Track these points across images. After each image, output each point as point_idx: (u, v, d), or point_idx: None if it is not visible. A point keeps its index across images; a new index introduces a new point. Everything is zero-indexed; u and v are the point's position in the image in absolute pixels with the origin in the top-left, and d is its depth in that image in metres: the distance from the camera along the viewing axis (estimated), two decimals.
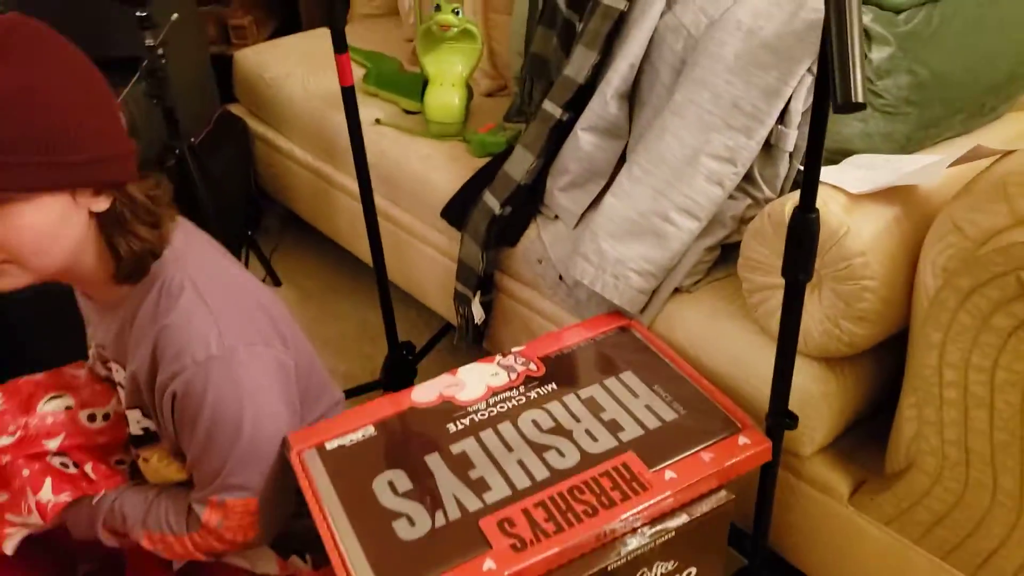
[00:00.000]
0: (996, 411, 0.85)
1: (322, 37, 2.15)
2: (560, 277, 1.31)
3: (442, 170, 1.57)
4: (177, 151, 1.64)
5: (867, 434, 1.11)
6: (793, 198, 0.99)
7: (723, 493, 0.95)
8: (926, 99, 1.08)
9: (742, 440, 0.98)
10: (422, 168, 1.59)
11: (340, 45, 1.29)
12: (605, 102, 1.26)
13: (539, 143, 1.35)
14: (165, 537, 0.99)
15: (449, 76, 1.63)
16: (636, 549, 0.88)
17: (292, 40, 2.16)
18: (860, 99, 0.58)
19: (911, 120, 1.09)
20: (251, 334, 0.92)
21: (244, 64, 2.07)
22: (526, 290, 1.43)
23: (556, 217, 1.36)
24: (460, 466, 0.93)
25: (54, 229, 0.82)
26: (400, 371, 1.62)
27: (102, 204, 0.86)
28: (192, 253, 0.96)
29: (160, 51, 1.55)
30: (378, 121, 1.73)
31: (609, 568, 0.87)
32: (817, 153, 0.76)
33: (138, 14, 1.51)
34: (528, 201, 1.39)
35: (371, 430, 0.99)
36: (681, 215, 1.13)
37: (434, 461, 0.94)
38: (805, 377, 1.02)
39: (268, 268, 2.06)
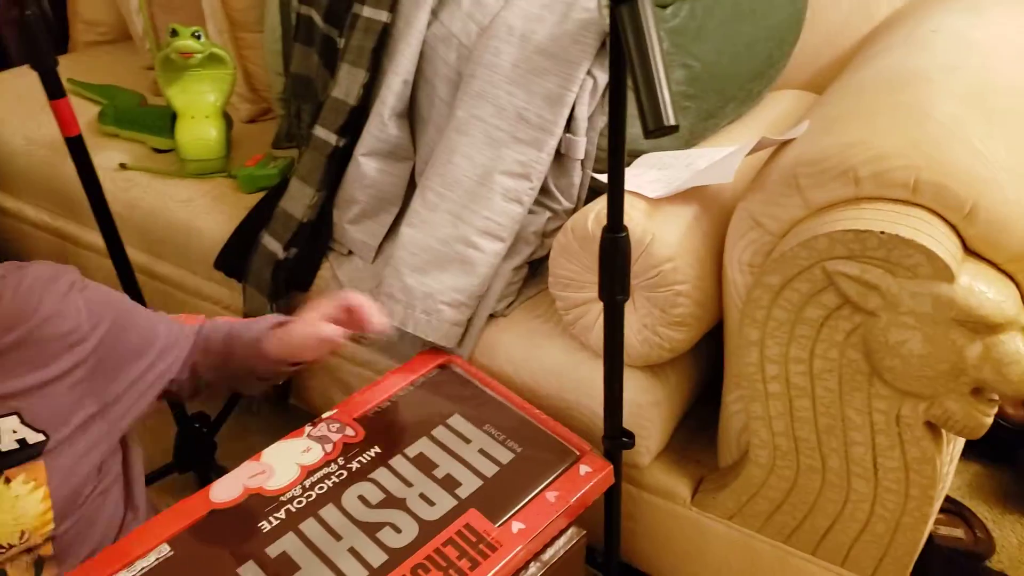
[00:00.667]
0: (817, 398, 0.86)
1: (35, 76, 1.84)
2: None
3: (209, 214, 1.39)
4: None
5: (695, 425, 1.11)
6: (595, 210, 0.95)
7: (572, 531, 0.89)
8: (702, 91, 1.09)
9: (583, 469, 0.93)
10: (185, 214, 1.39)
11: (54, 89, 1.09)
12: (383, 123, 1.16)
13: (317, 174, 1.22)
14: None
15: (201, 107, 1.45)
16: None
17: None
18: (672, 121, 0.53)
19: (691, 114, 1.10)
20: None
21: None
22: None
23: (350, 252, 1.24)
24: (282, 572, 0.80)
25: None
26: (196, 447, 1.42)
27: None
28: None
29: None
30: (123, 166, 1.50)
31: None
32: (619, 173, 0.71)
33: None
34: (315, 239, 1.25)
35: (166, 549, 0.83)
36: (484, 238, 1.06)
37: (250, 572, 0.80)
38: (632, 389, 0.99)
39: None
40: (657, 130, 0.54)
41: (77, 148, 1.13)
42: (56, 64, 1.09)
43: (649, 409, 1.00)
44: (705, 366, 1.11)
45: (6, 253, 1.78)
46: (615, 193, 0.73)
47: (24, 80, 1.80)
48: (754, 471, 0.96)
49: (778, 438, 0.92)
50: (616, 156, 0.70)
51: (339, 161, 1.22)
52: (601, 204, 0.96)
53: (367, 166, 1.18)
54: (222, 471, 1.42)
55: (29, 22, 1.05)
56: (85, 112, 1.63)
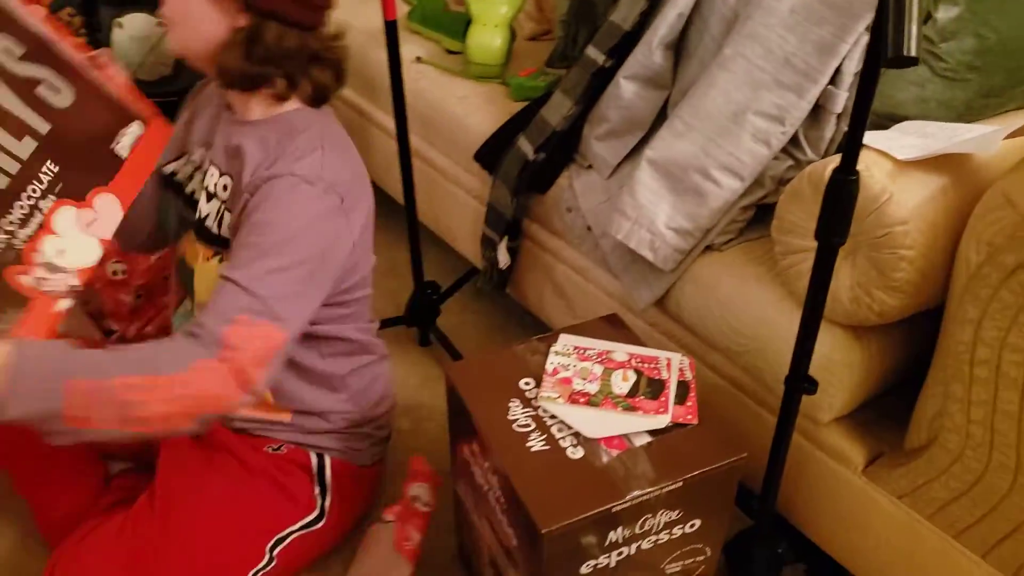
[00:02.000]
0: None
1: None
2: (588, 228, 1.30)
3: (479, 112, 1.54)
4: None
5: (888, 409, 1.09)
6: (835, 161, 0.96)
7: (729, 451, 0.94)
8: (990, 66, 1.04)
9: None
10: (459, 109, 1.57)
11: None
12: (650, 51, 1.23)
13: (578, 89, 1.32)
14: (150, 379, 0.87)
15: (492, 17, 1.60)
16: (641, 494, 0.88)
17: None
18: (913, 53, 0.55)
19: (971, 87, 1.05)
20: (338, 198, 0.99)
21: None
22: (553, 239, 1.42)
23: (589, 166, 1.34)
24: None
25: (193, 14, 0.96)
26: (423, 309, 1.63)
27: (243, 20, 0.96)
28: (329, 124, 1.06)
29: None
30: (419, 59, 1.70)
31: (613, 510, 0.87)
32: (863, 113, 0.73)
33: None
34: (562, 148, 1.36)
35: None
36: (724, 173, 1.10)
37: None
38: (828, 344, 1.00)
39: None
40: (896, 59, 0.56)
41: (391, 31, 1.32)
42: None
43: (840, 368, 1.00)
44: (912, 354, 1.08)
45: None
46: (855, 136, 0.75)
47: None
48: (939, 455, 0.94)
49: (973, 426, 0.89)
50: (864, 96, 0.72)
51: (601, 80, 1.31)
52: None
53: (626, 88, 1.26)
54: (440, 333, 1.63)
55: None
56: (398, 10, 1.85)
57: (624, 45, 1.28)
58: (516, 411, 1.00)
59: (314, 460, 1.17)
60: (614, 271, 1.24)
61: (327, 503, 1.18)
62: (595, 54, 1.31)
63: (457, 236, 1.68)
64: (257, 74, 0.99)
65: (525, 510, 0.87)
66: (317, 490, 1.17)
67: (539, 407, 1.00)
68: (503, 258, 1.44)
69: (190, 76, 1.32)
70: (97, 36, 1.83)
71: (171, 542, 1.07)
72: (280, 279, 0.93)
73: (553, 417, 0.98)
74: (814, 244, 0.98)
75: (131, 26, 1.78)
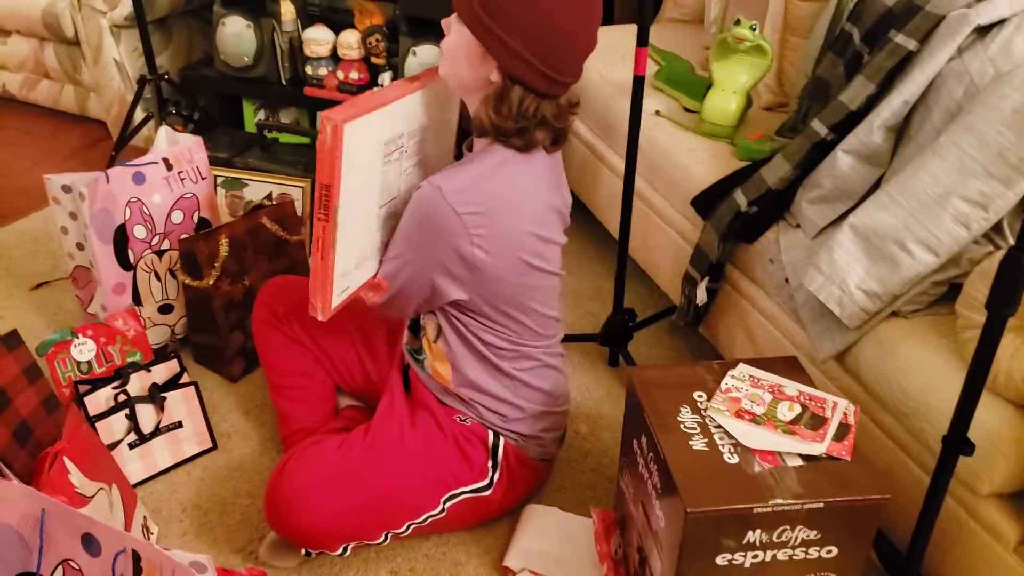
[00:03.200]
0: None
1: (627, 32, 2.37)
2: (786, 280, 1.42)
3: (703, 164, 1.72)
4: None
5: None
6: None
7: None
8: None
9: None
10: (686, 160, 1.75)
11: (642, 39, 1.50)
12: (871, 130, 1.34)
13: (798, 156, 1.46)
14: None
15: (732, 83, 1.78)
16: (783, 504, 1.00)
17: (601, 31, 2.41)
18: None
19: None
20: (469, 221, 1.17)
21: None
22: (752, 286, 1.55)
23: (797, 225, 1.46)
24: None
25: (459, 57, 1.18)
26: (617, 332, 1.81)
27: (495, 76, 1.17)
28: (501, 172, 1.22)
29: None
30: (658, 113, 1.91)
31: (755, 511, 1.00)
32: None
33: None
34: (775, 206, 1.50)
35: None
36: (919, 247, 1.19)
37: None
38: (998, 418, 1.06)
39: None
40: None
41: (638, 86, 1.54)
42: (651, 22, 1.50)
43: (1007, 444, 1.05)
44: None
45: None
46: None
47: (617, 35, 2.35)
48: None
49: None
50: None
51: (821, 151, 1.44)
52: None
53: (843, 161, 1.38)
54: (629, 357, 1.80)
55: None
56: (647, 67, 2.09)
57: (847, 123, 1.40)
58: (685, 415, 1.15)
59: (491, 437, 1.37)
60: (803, 322, 1.35)
61: (495, 476, 1.37)
62: (819, 127, 1.44)
63: (661, 272, 1.86)
64: (495, 126, 1.19)
65: (676, 491, 1.03)
66: (490, 463, 1.37)
67: (707, 416, 1.14)
68: (701, 295, 1.59)
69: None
70: (394, 60, 2.23)
71: (371, 469, 1.32)
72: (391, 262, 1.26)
73: (718, 427, 1.12)
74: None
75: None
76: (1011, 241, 1.17)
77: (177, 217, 1.79)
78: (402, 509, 1.34)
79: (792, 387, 1.19)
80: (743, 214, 1.51)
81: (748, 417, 1.13)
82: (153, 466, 1.57)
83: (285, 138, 2.43)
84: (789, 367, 1.24)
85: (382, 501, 1.32)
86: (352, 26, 2.24)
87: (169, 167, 1.76)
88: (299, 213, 2.13)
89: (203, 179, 1.82)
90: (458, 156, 1.36)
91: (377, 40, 2.19)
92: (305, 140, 2.50)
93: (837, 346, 1.29)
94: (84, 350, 1.60)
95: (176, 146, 1.78)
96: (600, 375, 1.84)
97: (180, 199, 1.78)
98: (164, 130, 1.82)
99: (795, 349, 1.44)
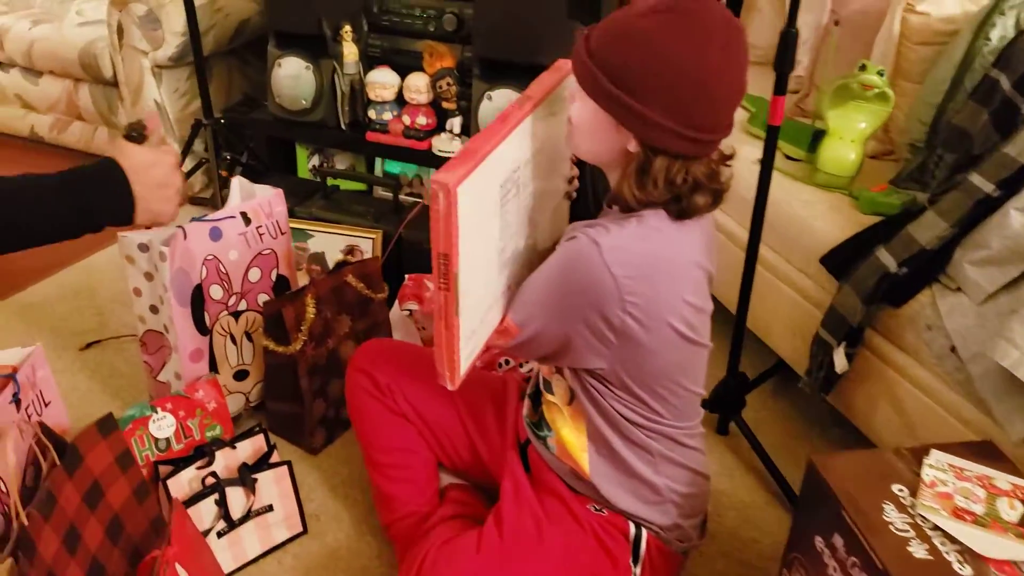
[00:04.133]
0: None
1: None
2: (952, 349, 1.30)
3: (825, 219, 1.61)
4: None
5: None
6: None
7: None
8: None
9: None
10: (805, 213, 1.64)
11: (780, 87, 1.39)
12: None
13: (957, 213, 1.35)
14: None
15: (850, 132, 1.67)
16: None
17: None
18: None
19: None
20: (625, 285, 1.04)
21: None
22: (900, 354, 1.43)
23: (958, 289, 1.35)
24: None
25: (591, 129, 1.08)
26: (732, 397, 1.68)
27: (633, 147, 1.05)
28: (656, 234, 1.09)
29: None
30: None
31: None
32: None
33: None
34: (927, 267, 1.38)
35: None
36: None
37: None
38: None
39: None
40: None
41: (771, 136, 1.43)
42: (790, 71, 1.39)
43: None
44: None
45: None
46: None
47: None
48: None
49: None
50: None
51: (985, 208, 1.32)
52: None
53: (1016, 219, 1.27)
54: (743, 424, 1.66)
55: (789, 36, 1.36)
56: (738, 115, 1.99)
57: (1015, 178, 1.30)
58: (891, 514, 1.01)
59: (632, 529, 1.22)
60: (982, 396, 1.23)
61: (639, 573, 1.23)
62: (981, 183, 1.33)
63: (772, 331, 1.73)
64: (641, 202, 1.06)
65: None
66: (631, 559, 1.22)
67: (916, 515, 1.01)
68: (841, 363, 1.47)
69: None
70: (463, 104, 2.12)
71: (516, 572, 1.18)
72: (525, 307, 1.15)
73: (935, 528, 0.99)
74: None
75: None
76: None
77: (254, 275, 1.65)
78: None
79: (1002, 479, 1.06)
80: (891, 275, 1.39)
81: (969, 518, 1.00)
82: (243, 555, 1.41)
83: (345, 185, 2.30)
84: (986, 453, 1.11)
85: None
86: (419, 69, 2.13)
87: (247, 221, 1.62)
88: None
89: (282, 234, 1.68)
90: (596, 209, 1.23)
91: (448, 84, 2.08)
92: (362, 186, 2.37)
93: None
94: (164, 426, 1.45)
95: (254, 199, 1.65)
96: (711, 445, 1.70)
97: (258, 256, 1.64)
98: (238, 181, 1.68)
99: (959, 423, 1.31)
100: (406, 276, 1.85)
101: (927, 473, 1.07)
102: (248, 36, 2.69)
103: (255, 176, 2.51)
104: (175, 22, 2.44)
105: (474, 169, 0.99)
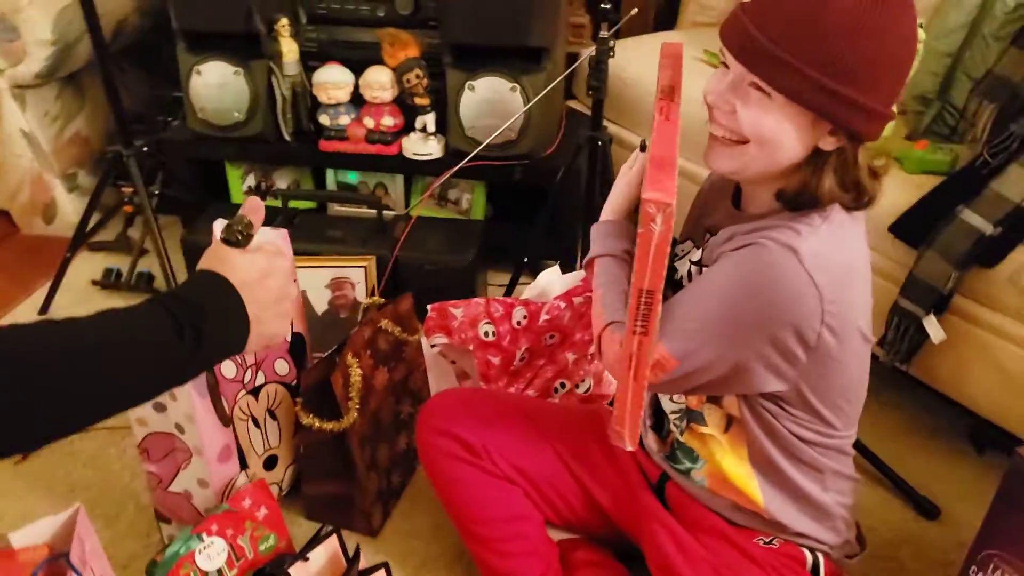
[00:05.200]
0: None
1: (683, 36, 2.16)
2: None
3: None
4: (600, 141, 1.66)
5: None
6: None
7: None
8: None
9: None
10: None
11: None
12: None
13: None
14: (599, 316, 1.05)
15: None
16: None
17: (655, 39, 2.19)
18: None
19: None
20: (827, 294, 0.91)
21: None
22: (994, 315, 1.39)
23: None
24: None
25: (783, 137, 0.91)
26: None
27: (828, 144, 0.91)
28: (845, 232, 0.96)
29: (612, 43, 1.56)
30: None
31: None
32: None
33: (602, 5, 1.53)
34: (1021, 224, 1.35)
35: None
36: None
37: None
38: None
39: None
40: None
41: None
42: None
43: None
44: None
45: None
46: None
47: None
48: None
49: None
50: None
51: None
52: None
53: None
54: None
55: None
56: None
57: None
58: None
59: (809, 557, 1.10)
60: None
61: None
62: None
63: None
64: (845, 204, 0.94)
65: None
66: None
67: None
68: (937, 332, 1.41)
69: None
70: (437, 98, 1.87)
71: None
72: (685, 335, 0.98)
73: None
74: None
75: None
76: None
77: None
78: None
79: None
80: (985, 237, 1.34)
81: None
82: None
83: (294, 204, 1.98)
84: None
85: None
86: (377, 62, 1.84)
87: None
88: (358, 298, 1.73)
89: (293, 282, 1.39)
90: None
91: (418, 76, 1.81)
92: (311, 204, 2.06)
93: None
94: (213, 554, 1.15)
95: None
96: None
97: None
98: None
99: None
100: (428, 307, 1.61)
101: None
102: (126, 41, 2.25)
103: (181, 209, 2.13)
104: (39, 29, 1.98)
105: (673, 176, 0.82)
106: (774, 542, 1.11)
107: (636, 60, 2.02)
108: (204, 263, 0.78)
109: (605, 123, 2.06)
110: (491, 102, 1.79)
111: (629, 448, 0.94)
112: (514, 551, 1.21)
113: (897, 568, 1.38)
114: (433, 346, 1.60)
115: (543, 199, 1.82)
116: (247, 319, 0.77)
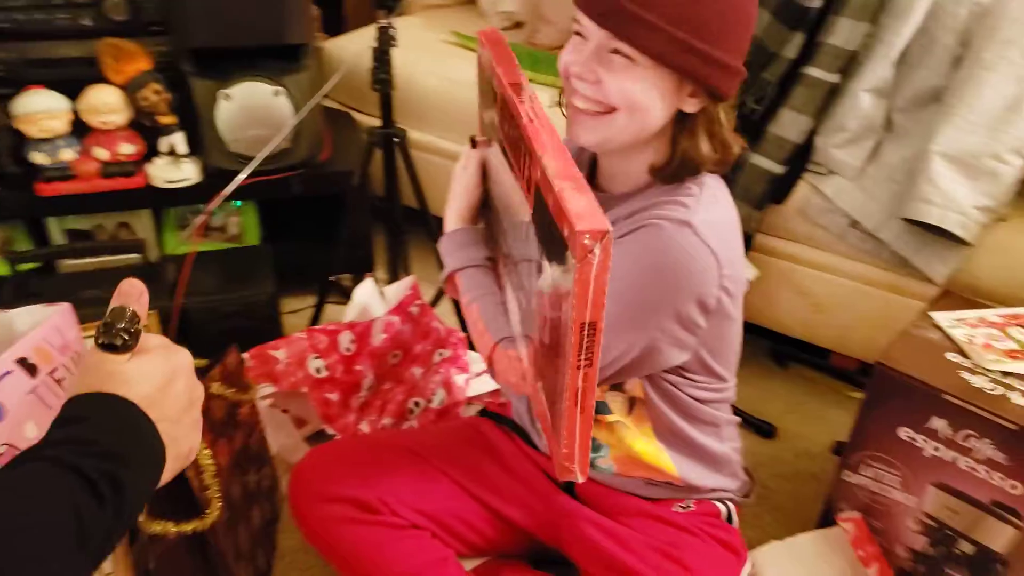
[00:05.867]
0: None
1: (410, 25, 2.08)
2: (853, 224, 1.45)
3: None
4: (396, 138, 1.54)
5: None
6: None
7: None
8: None
9: None
10: None
11: None
12: (889, 65, 1.42)
13: (812, 106, 1.47)
14: (485, 334, 0.98)
15: None
16: (964, 402, 1.05)
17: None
18: None
19: None
20: (723, 258, 0.92)
21: (337, 58, 1.94)
22: (791, 244, 1.55)
23: (830, 172, 1.49)
24: None
25: (651, 102, 0.89)
26: None
27: (691, 106, 0.91)
28: (718, 194, 0.98)
29: (391, 30, 1.44)
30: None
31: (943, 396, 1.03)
32: None
33: None
34: (798, 160, 1.50)
35: None
36: (1012, 154, 1.32)
37: None
38: None
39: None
40: None
41: None
42: None
43: None
44: None
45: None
46: None
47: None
48: None
49: None
50: None
51: (833, 95, 1.47)
52: None
53: (864, 99, 1.44)
54: None
55: None
56: None
57: (848, 63, 1.46)
58: (974, 380, 1.12)
59: (723, 509, 1.14)
60: (901, 255, 1.40)
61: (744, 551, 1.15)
62: (823, 75, 1.46)
63: None
64: (716, 162, 0.95)
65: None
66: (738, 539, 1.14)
67: (988, 371, 1.13)
68: (750, 271, 1.53)
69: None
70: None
71: None
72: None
73: (1007, 375, 1.12)
74: None
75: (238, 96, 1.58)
76: None
77: None
78: None
79: (989, 314, 1.24)
80: (776, 177, 1.48)
81: (1020, 355, 1.15)
82: None
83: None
84: (952, 299, 1.29)
85: None
86: (98, 80, 1.52)
87: (32, 371, 1.01)
88: None
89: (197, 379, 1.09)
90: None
91: (157, 92, 1.53)
92: (32, 266, 1.66)
93: (950, 266, 1.37)
94: None
95: (33, 332, 1.03)
96: None
97: None
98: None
99: (869, 287, 1.49)
100: (245, 355, 1.39)
101: (956, 334, 1.19)
102: None
103: None
104: None
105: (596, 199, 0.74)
106: (690, 505, 1.12)
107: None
108: (84, 383, 0.57)
109: (362, 117, 1.93)
110: (253, 109, 1.57)
111: (580, 480, 0.87)
112: None
113: (764, 491, 1.50)
114: (262, 399, 1.38)
115: (323, 210, 1.65)
116: (161, 444, 0.57)
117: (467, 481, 1.16)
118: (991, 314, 1.25)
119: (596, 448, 1.10)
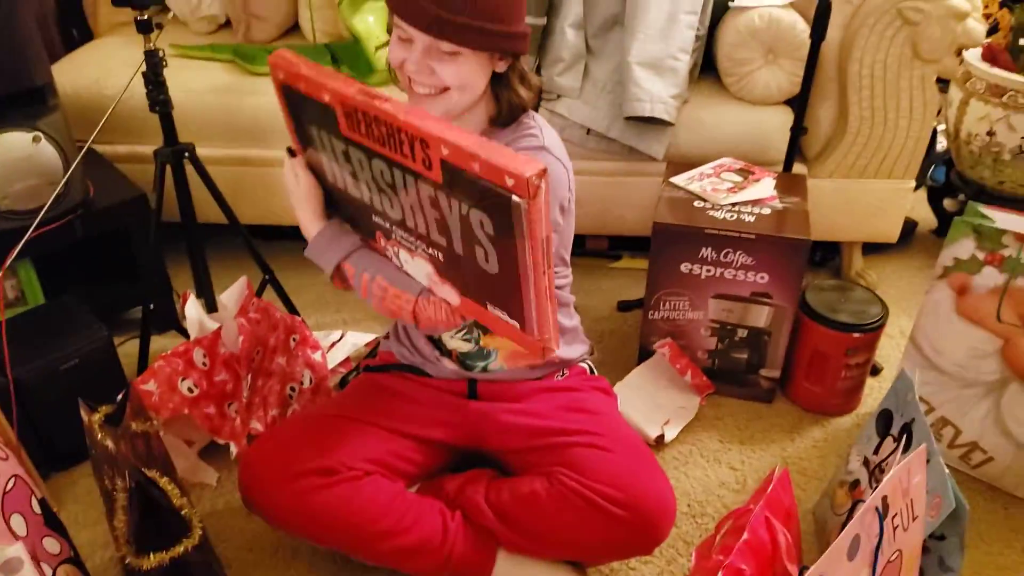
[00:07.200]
0: None
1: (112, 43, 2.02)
2: (588, 131, 1.83)
3: None
4: (187, 153, 1.56)
5: None
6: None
7: None
8: None
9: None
10: None
11: None
12: (579, 2, 1.79)
13: (533, 45, 1.80)
14: (402, 295, 1.16)
15: (378, 36, 1.88)
16: (721, 230, 1.56)
17: (88, 52, 1.98)
18: None
19: None
20: (568, 166, 1.22)
21: (67, 80, 1.85)
22: None
23: (558, 96, 1.84)
24: None
25: (475, 77, 1.13)
26: None
27: (502, 67, 1.17)
28: (544, 124, 1.26)
29: (161, 53, 1.46)
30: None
31: (705, 231, 1.54)
32: None
33: (138, 18, 1.41)
34: None
35: None
36: (681, 53, 1.78)
37: None
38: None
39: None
40: None
41: None
42: None
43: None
44: None
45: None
46: None
47: (109, 50, 1.92)
48: None
49: None
50: None
51: (545, 34, 1.81)
52: None
53: (570, 34, 1.80)
54: None
55: None
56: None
57: (548, 5, 1.80)
58: (714, 213, 1.55)
59: (587, 368, 1.44)
60: (629, 144, 1.81)
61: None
62: (535, 20, 1.79)
63: None
64: (533, 102, 1.21)
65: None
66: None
67: (723, 205, 1.57)
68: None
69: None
70: None
71: (604, 463, 1.24)
72: None
73: (735, 204, 1.58)
74: (756, 65, 1.76)
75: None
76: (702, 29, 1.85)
77: None
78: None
79: (705, 167, 1.70)
80: None
81: (734, 189, 1.61)
82: None
83: None
84: (672, 165, 1.74)
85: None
86: None
87: None
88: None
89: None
90: None
91: None
92: None
93: (664, 144, 1.81)
94: None
95: None
96: None
97: None
98: None
99: (606, 176, 1.89)
100: (126, 390, 1.37)
101: (693, 187, 1.63)
102: None
103: None
104: None
105: None
106: (565, 372, 1.42)
107: (109, 76, 1.86)
108: None
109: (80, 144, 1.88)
110: (15, 162, 1.48)
111: (555, 349, 1.06)
112: (412, 520, 1.25)
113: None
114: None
115: (98, 246, 1.63)
116: None
117: (392, 424, 1.32)
118: (706, 168, 1.71)
119: (487, 355, 1.33)
